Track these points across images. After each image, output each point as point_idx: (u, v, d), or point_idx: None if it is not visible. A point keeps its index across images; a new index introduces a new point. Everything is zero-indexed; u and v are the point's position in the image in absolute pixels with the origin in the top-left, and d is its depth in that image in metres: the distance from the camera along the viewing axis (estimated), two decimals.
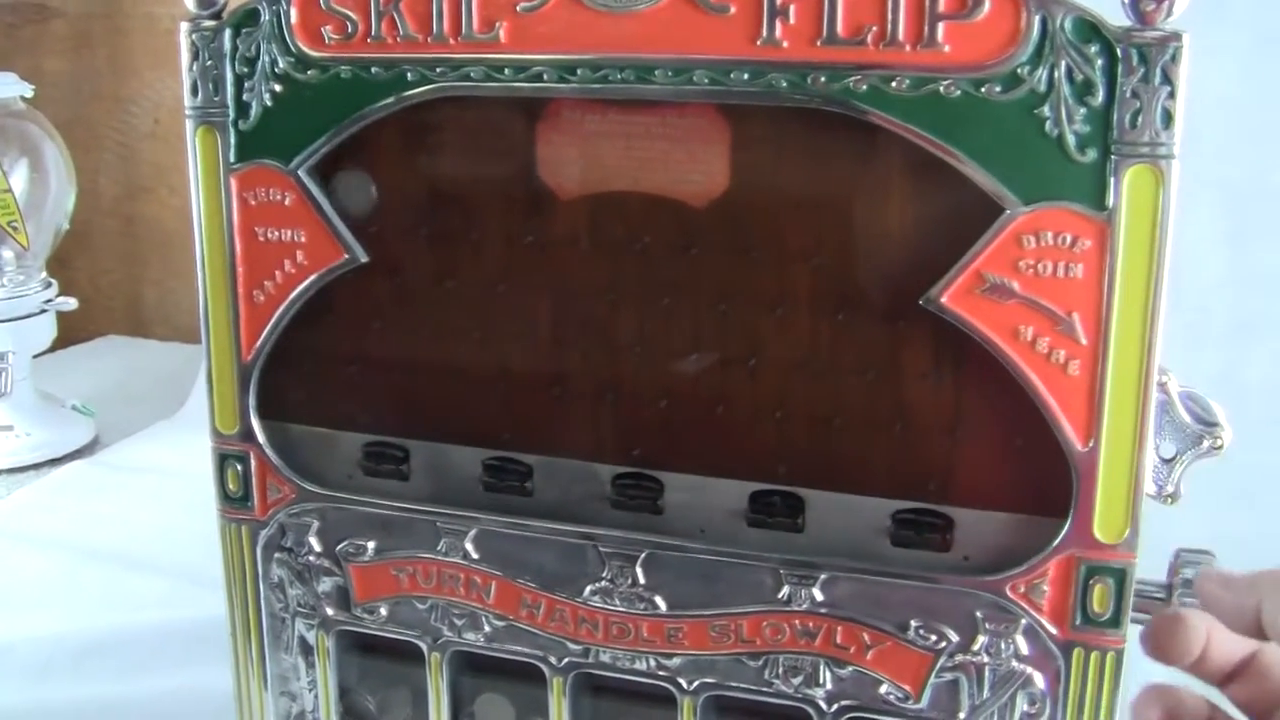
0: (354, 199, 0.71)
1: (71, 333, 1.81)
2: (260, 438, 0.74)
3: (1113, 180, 0.57)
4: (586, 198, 0.68)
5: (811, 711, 0.67)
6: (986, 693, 0.64)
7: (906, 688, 0.65)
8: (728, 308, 0.67)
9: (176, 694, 1.00)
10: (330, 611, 0.75)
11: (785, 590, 0.65)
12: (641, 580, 0.68)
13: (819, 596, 0.65)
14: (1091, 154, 0.57)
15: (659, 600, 0.68)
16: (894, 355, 0.65)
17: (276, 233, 0.71)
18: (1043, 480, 0.62)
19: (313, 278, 0.71)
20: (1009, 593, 0.62)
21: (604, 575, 0.68)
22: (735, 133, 0.65)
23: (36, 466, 1.52)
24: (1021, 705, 0.63)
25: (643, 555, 0.67)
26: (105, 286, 2.12)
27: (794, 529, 0.67)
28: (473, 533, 0.71)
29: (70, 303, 1.59)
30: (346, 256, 0.70)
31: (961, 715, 0.64)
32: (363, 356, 0.75)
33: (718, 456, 0.68)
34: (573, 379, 0.71)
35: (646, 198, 0.67)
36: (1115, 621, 0.61)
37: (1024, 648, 0.63)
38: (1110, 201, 0.57)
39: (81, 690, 1.03)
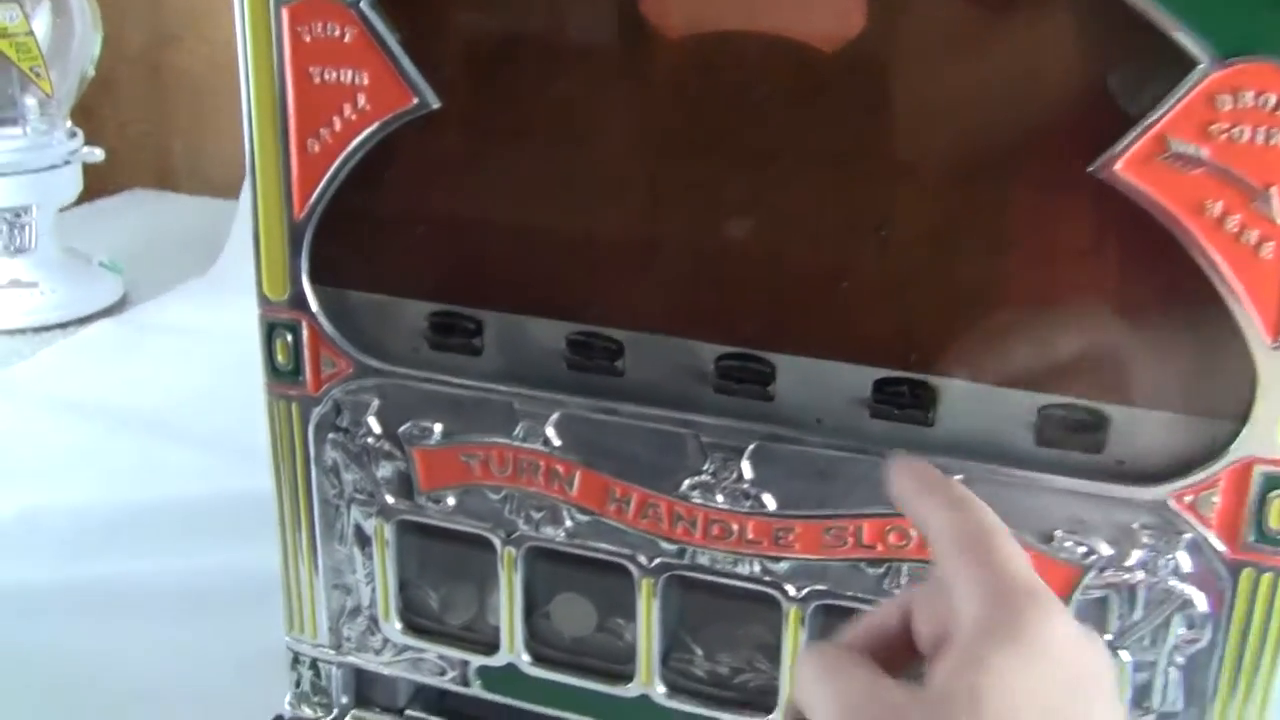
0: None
1: (97, 185, 1.75)
2: (313, 305, 0.68)
3: None
4: (695, 37, 0.60)
5: None
6: (1139, 613, 0.58)
7: None
8: (857, 169, 0.60)
9: (214, 573, 0.97)
10: (390, 500, 0.70)
11: None
12: (748, 475, 0.62)
13: None
14: None
15: (767, 498, 0.62)
16: (1048, 229, 0.57)
17: (334, 73, 0.64)
18: (1217, 377, 0.55)
19: (375, 125, 0.64)
20: (1172, 503, 0.56)
21: (705, 469, 0.62)
22: None
23: (63, 326, 1.48)
24: (1178, 629, 0.58)
25: (750, 447, 0.62)
26: (133, 137, 2.06)
27: (923, 422, 0.60)
28: (555, 416, 0.65)
29: (97, 153, 1.54)
30: (416, 101, 0.63)
31: (1109, 638, 0.58)
32: (431, 215, 0.68)
33: (839, 338, 0.61)
34: (672, 246, 0.64)
35: (766, 39, 0.59)
36: None
37: (1186, 565, 0.57)
38: None
39: (113, 566, 0.99)
